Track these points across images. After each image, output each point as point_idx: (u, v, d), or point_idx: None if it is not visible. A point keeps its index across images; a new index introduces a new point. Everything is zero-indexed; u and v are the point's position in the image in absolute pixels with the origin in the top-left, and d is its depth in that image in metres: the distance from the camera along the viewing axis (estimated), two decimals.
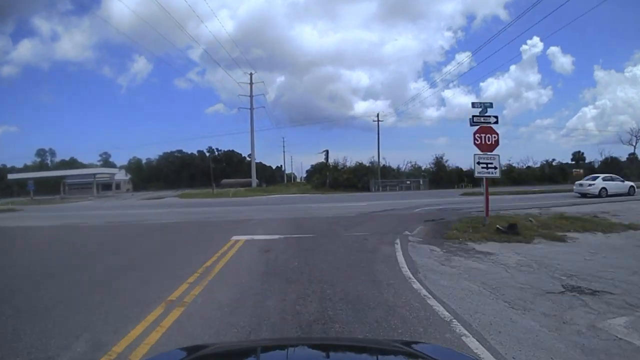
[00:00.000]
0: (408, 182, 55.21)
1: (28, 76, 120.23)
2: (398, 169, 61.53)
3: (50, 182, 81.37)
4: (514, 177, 60.63)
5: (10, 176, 68.86)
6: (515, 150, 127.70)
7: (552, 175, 61.79)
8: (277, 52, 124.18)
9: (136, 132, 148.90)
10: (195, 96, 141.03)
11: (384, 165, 59.00)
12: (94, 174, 66.63)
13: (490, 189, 14.27)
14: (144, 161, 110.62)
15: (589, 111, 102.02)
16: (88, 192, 72.92)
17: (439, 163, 61.31)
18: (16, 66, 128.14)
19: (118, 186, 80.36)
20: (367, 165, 59.70)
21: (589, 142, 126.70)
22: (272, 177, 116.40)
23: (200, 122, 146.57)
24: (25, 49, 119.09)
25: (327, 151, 63.21)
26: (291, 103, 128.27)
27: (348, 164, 60.93)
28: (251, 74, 69.45)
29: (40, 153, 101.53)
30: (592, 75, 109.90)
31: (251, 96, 71.46)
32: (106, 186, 77.76)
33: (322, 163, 65.25)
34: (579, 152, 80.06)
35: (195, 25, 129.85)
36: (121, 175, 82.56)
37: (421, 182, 55.52)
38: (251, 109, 76.42)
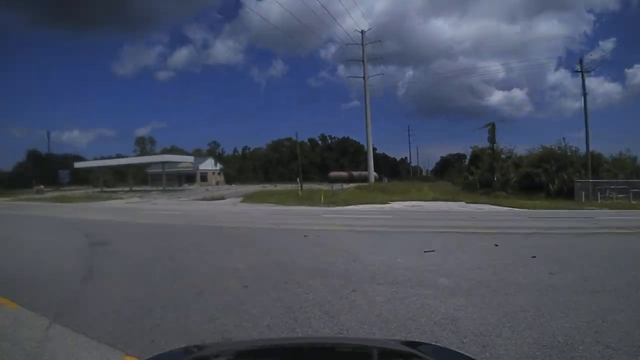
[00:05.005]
0: None
1: (181, 79, 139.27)
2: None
3: (138, 172, 74.01)
4: None
5: (76, 164, 61.13)
6: None
7: None
8: (407, 46, 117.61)
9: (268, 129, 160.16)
10: (327, 94, 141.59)
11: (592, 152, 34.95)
12: (163, 162, 54.54)
13: None
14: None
15: None
16: (172, 183, 62.18)
17: None
18: (172, 71, 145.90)
19: (204, 177, 68.59)
20: (556, 150, 36.40)
21: None
22: (396, 170, 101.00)
23: (331, 118, 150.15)
24: (180, 56, 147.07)
25: (492, 125, 40.09)
26: (420, 97, 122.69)
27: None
28: (362, 32, 53.92)
29: (139, 142, 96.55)
30: None
31: (364, 61, 55.21)
32: (190, 177, 66.68)
33: (477, 149, 42.89)
34: None
35: (326, 27, 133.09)
36: (208, 165, 70.51)
37: None
38: (365, 77, 59.12)
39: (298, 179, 34.93)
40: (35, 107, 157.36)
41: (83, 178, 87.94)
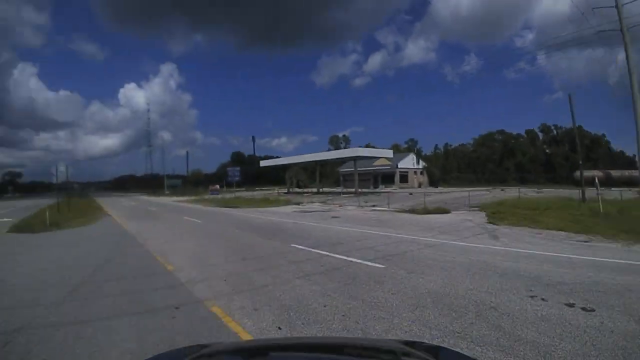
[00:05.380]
0: None
1: (376, 83, 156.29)
2: None
3: (331, 172, 68.51)
4: None
5: (262, 163, 57.17)
6: None
7: None
8: (618, 22, 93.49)
9: (465, 126, 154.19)
10: (528, 84, 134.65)
11: None
12: (355, 158, 44.09)
13: None
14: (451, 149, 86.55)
15: None
16: (366, 183, 53.60)
17: None
18: (367, 76, 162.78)
19: (404, 178, 57.69)
20: None
21: None
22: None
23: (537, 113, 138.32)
24: (374, 61, 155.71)
25: None
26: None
27: None
28: None
29: (333, 140, 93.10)
30: None
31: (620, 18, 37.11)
32: (387, 177, 56.70)
33: None
34: None
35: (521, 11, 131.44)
36: (408, 163, 59.25)
37: None
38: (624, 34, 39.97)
39: (595, 181, 19.96)
40: (248, 118, 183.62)
41: (281, 178, 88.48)
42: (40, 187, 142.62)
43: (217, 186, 40.41)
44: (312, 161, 48.07)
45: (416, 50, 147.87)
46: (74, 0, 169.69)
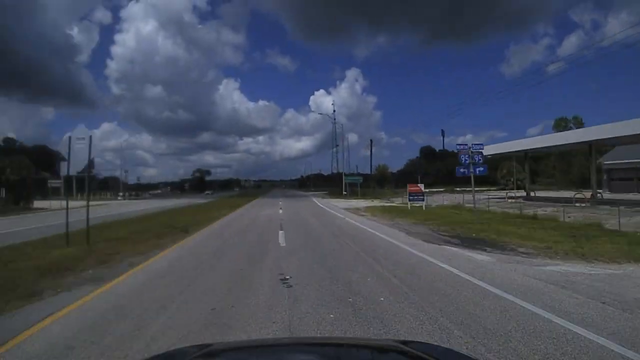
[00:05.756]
0: None
1: (573, 68, 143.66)
2: None
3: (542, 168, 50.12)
4: None
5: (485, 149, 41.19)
6: None
7: None
8: None
9: None
10: None
11: None
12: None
13: None
14: None
15: None
16: (629, 185, 35.55)
17: None
18: (563, 61, 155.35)
19: None
20: None
21: None
22: None
23: None
24: (569, 44, 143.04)
25: None
26: None
27: None
28: None
29: (560, 123, 72.87)
30: None
31: None
32: None
33: None
34: None
35: None
36: None
37: None
38: None
39: None
40: (432, 116, 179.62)
41: (479, 176, 72.06)
42: (233, 183, 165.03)
43: (421, 187, 25.91)
44: (583, 142, 27.86)
45: (619, 25, 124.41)
46: (266, 20, 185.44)
